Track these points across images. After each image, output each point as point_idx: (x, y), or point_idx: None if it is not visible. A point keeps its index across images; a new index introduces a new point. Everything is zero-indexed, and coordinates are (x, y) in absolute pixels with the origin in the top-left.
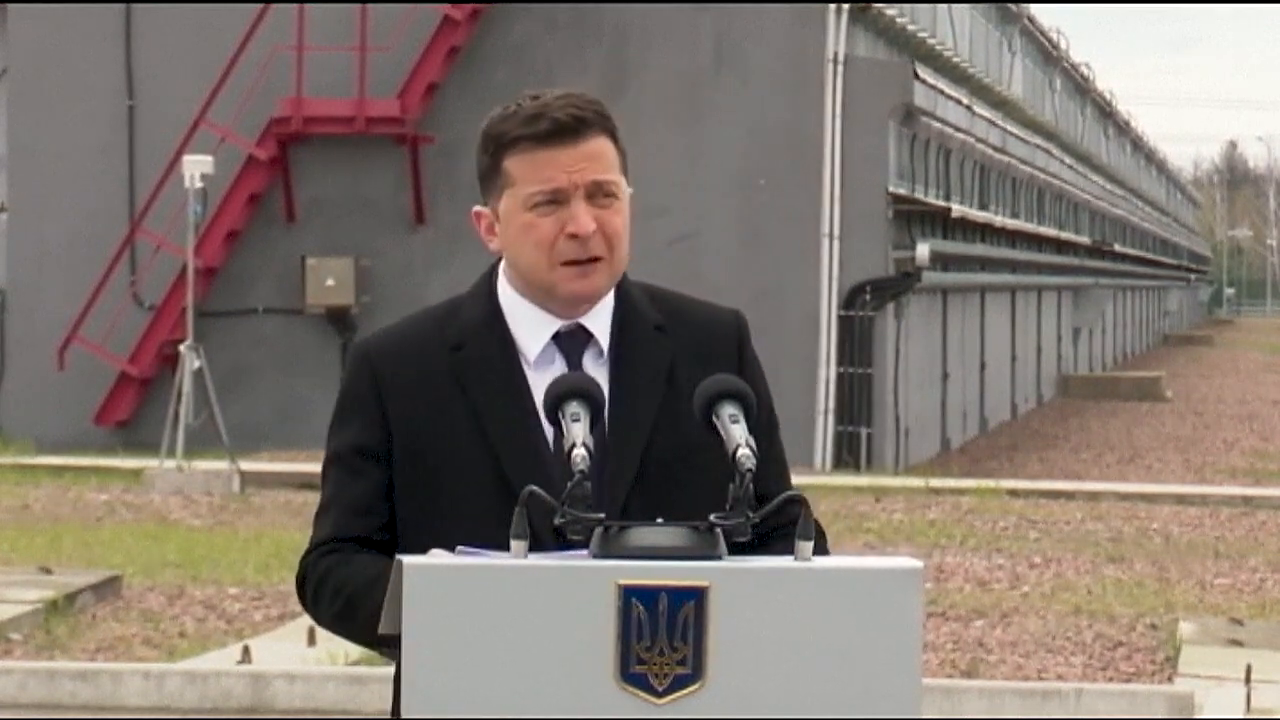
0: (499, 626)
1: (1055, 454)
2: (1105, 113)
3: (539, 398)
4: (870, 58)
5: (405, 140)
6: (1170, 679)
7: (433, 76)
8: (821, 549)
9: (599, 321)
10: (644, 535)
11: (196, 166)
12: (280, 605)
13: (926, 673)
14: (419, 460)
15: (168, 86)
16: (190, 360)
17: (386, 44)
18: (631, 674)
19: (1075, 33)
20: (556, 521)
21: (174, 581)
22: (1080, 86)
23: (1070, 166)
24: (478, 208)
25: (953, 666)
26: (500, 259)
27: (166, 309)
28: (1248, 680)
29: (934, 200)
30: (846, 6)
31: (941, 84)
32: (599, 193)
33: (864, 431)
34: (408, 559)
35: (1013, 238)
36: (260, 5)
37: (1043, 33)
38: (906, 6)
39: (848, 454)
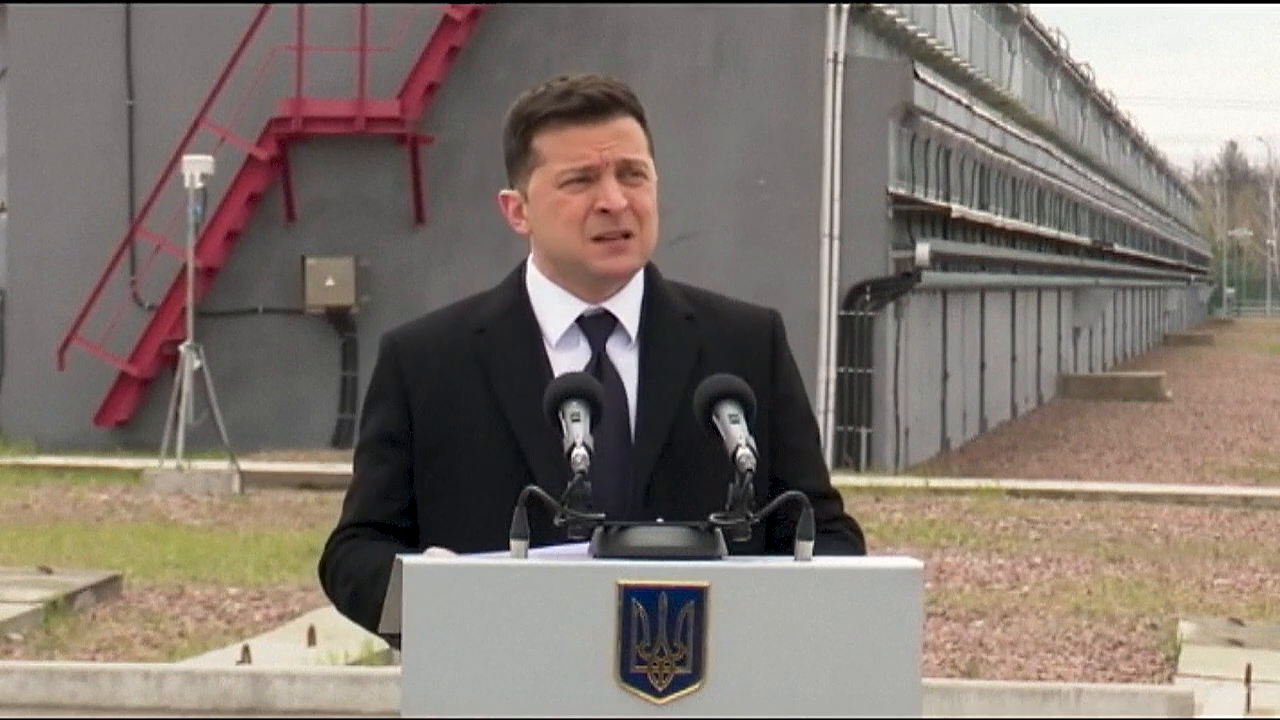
0: (499, 626)
1: (1055, 454)
2: (1105, 113)
3: None
4: (870, 58)
5: (405, 140)
6: (1170, 679)
7: (433, 76)
8: (859, 549)
9: (626, 307)
10: (644, 535)
11: (196, 166)
12: (280, 605)
13: (926, 673)
14: (440, 440)
15: (168, 86)
16: (190, 360)
17: (386, 44)
18: (631, 674)
19: (1075, 33)
20: (556, 521)
21: (174, 581)
22: (1080, 86)
23: (1070, 166)
24: (505, 191)
25: (953, 666)
26: (528, 256)
27: (166, 309)
28: (1248, 680)
29: (934, 200)
30: (846, 6)
31: (941, 84)
32: (628, 171)
33: (864, 431)
34: (407, 559)
35: (1013, 238)
36: (260, 5)
37: (1042, 33)
38: (906, 6)
39: (848, 454)
